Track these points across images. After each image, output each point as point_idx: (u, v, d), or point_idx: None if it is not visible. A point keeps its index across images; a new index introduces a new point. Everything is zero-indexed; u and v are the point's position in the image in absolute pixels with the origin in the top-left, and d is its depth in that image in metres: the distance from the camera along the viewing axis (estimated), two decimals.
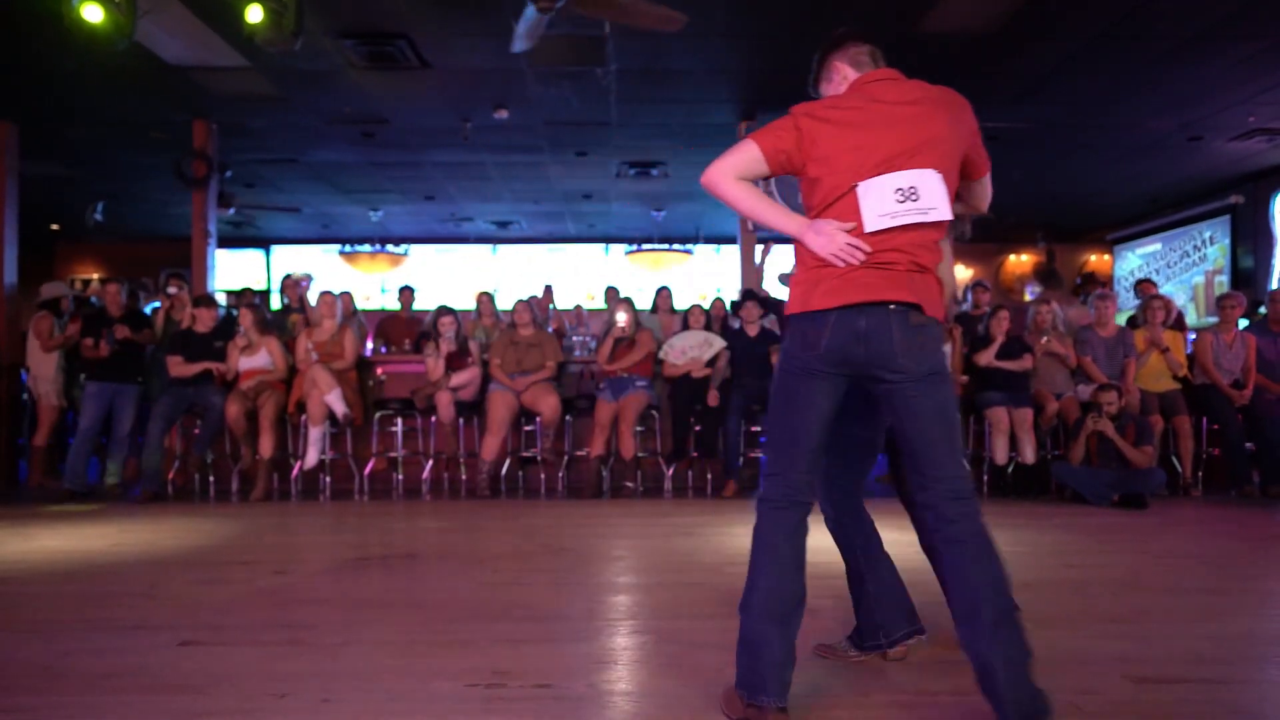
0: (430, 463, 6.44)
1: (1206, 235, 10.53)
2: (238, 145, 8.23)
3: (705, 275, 12.45)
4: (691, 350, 6.24)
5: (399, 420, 6.40)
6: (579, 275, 12.97)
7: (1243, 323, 6.66)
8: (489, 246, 13.27)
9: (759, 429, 6.40)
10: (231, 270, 12.42)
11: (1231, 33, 5.98)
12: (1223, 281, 10.15)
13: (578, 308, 9.87)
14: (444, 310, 6.52)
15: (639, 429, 6.33)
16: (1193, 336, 6.53)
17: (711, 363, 6.20)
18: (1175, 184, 10.01)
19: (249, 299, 7.17)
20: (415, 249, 12.37)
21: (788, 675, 1.95)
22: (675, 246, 11.46)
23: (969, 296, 7.11)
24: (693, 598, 3.19)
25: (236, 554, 4.22)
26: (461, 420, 6.37)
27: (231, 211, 8.98)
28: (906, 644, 2.40)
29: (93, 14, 4.29)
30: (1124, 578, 3.53)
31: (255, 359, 6.19)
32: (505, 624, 2.84)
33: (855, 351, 1.95)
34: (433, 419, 6.37)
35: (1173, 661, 2.41)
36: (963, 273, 12.39)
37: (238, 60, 6.25)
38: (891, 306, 1.93)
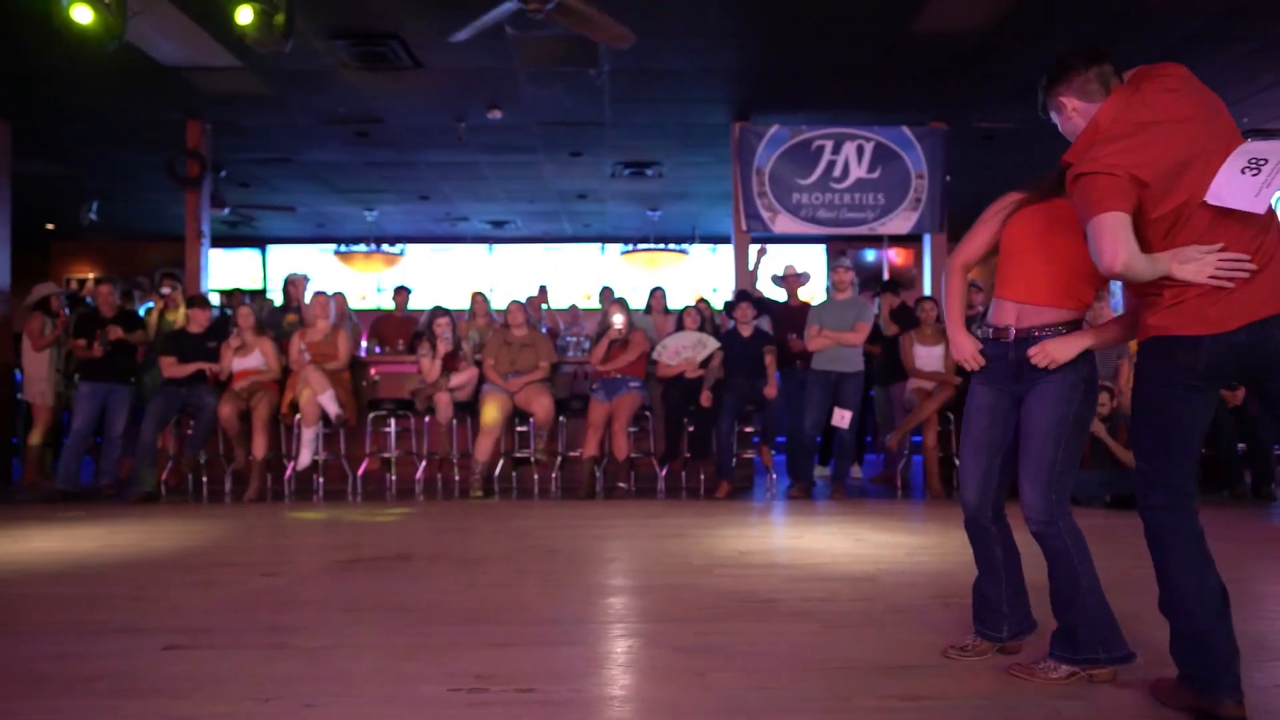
0: (424, 463, 6.44)
1: None
2: (232, 145, 8.22)
3: (701, 275, 12.43)
4: (685, 351, 6.24)
5: (392, 421, 6.39)
6: (575, 275, 12.96)
7: None
8: (485, 246, 13.25)
9: (751, 430, 6.41)
10: (227, 270, 12.42)
11: (1223, 34, 5.98)
12: None
13: (573, 307, 9.86)
14: (439, 311, 6.52)
15: (632, 430, 6.33)
16: None
17: (705, 363, 6.20)
18: None
19: (239, 300, 7.16)
20: (411, 249, 12.35)
21: (1237, 668, 2.01)
22: (671, 246, 11.45)
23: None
24: (683, 600, 3.19)
25: (227, 556, 4.22)
26: (455, 421, 6.37)
27: (226, 211, 8.97)
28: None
29: (82, 15, 4.29)
30: (1114, 580, 3.50)
31: (249, 359, 6.18)
32: (492, 627, 2.84)
33: (1242, 364, 1.99)
34: (426, 420, 6.36)
35: (1159, 665, 2.41)
36: None
37: (230, 60, 6.23)
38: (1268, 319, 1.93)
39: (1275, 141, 1.96)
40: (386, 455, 6.42)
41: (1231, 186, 1.92)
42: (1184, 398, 2.03)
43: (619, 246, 12.24)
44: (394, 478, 6.37)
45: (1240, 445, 6.03)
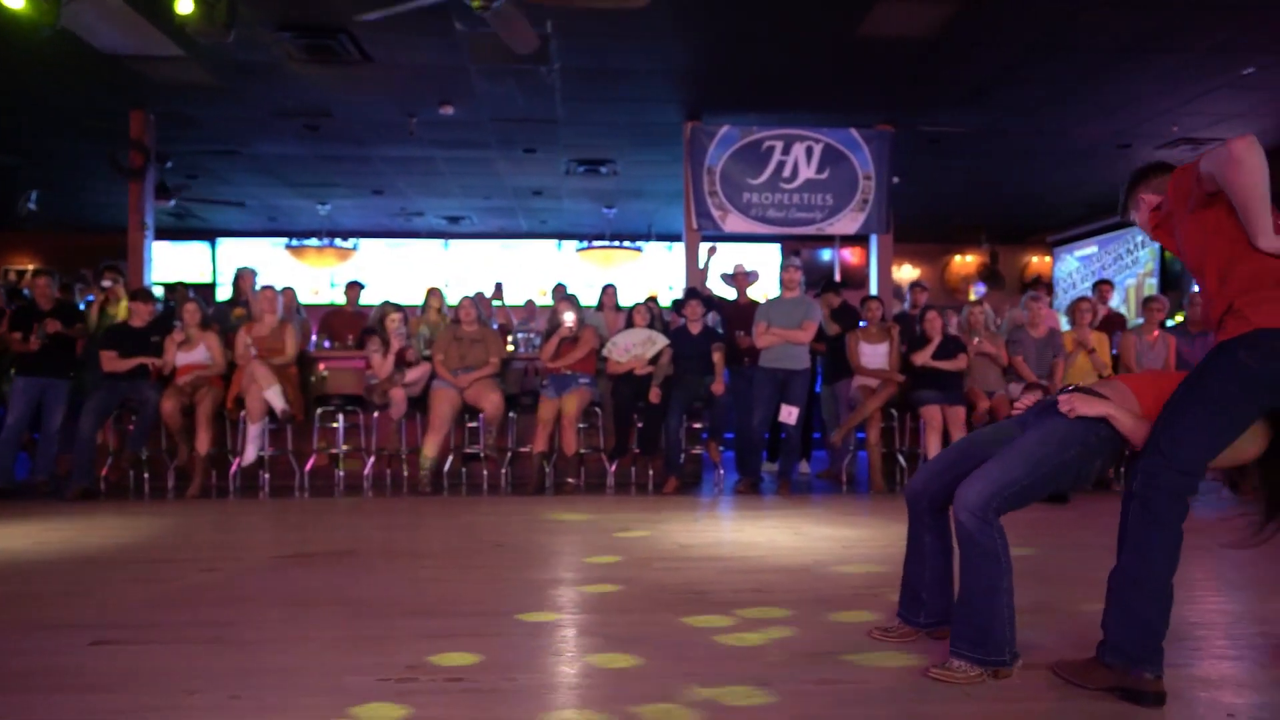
0: (372, 459, 6.42)
1: (1138, 239, 10.89)
2: (178, 136, 8.08)
3: (656, 273, 12.51)
4: (634, 348, 6.30)
5: (341, 416, 6.36)
6: (532, 271, 12.96)
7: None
8: (441, 241, 13.19)
9: (700, 426, 6.49)
10: (175, 263, 12.19)
11: (1154, 47, 6.20)
12: (1153, 284, 10.50)
13: (529, 303, 9.87)
14: (390, 306, 6.49)
15: (582, 425, 6.37)
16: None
17: (654, 360, 6.27)
18: (1109, 189, 10.31)
19: (184, 294, 7.05)
20: (365, 243, 12.25)
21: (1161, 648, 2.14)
22: (625, 244, 11.51)
23: (908, 296, 7.27)
24: (620, 593, 3.24)
25: (166, 552, 4.17)
26: (405, 416, 6.35)
27: (172, 203, 8.80)
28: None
29: (14, 0, 4.19)
30: (1031, 569, 3.66)
31: (193, 354, 6.10)
32: (431, 619, 2.87)
33: None
34: (375, 415, 6.34)
35: (1063, 648, 2.53)
36: (909, 272, 12.65)
37: (173, 50, 6.13)
38: None
39: None
40: (335, 451, 6.38)
41: None
42: (1257, 400, 2.08)
43: (575, 243, 12.28)
44: (342, 473, 6.34)
45: None
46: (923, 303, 6.95)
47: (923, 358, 6.11)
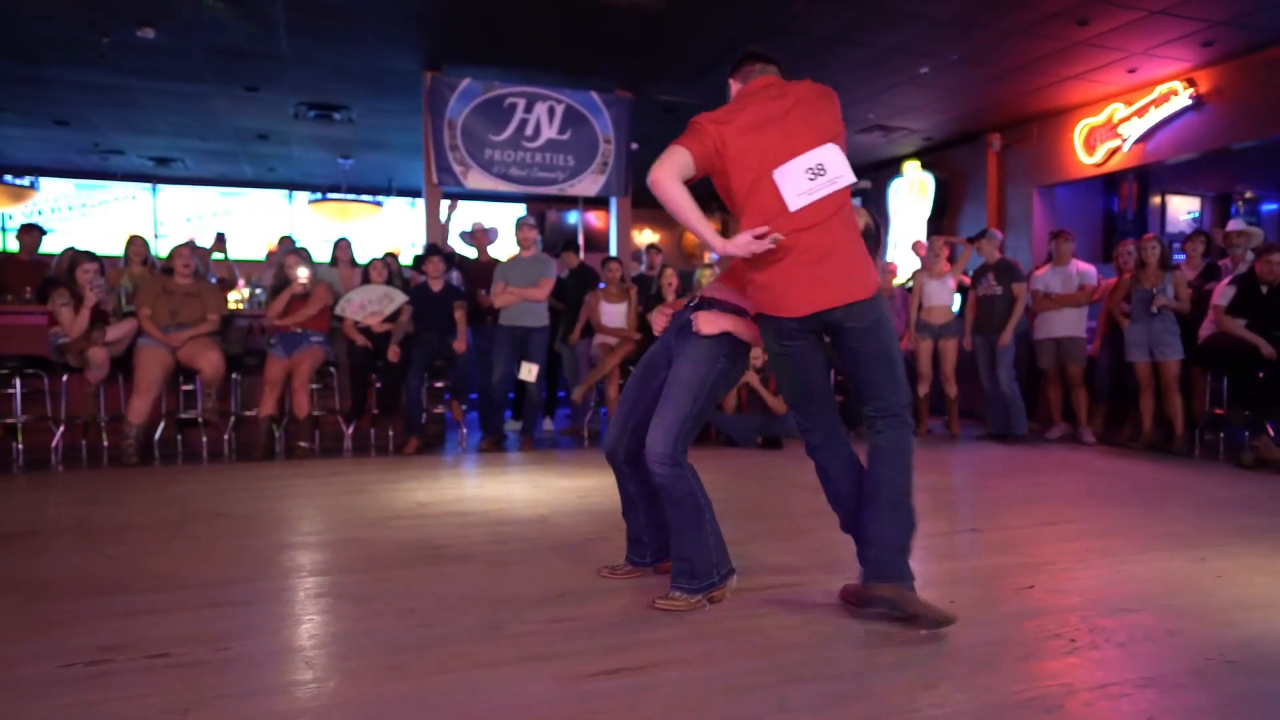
0: (61, 428, 5.65)
1: None
2: None
3: (398, 229, 12.03)
4: (371, 305, 6.05)
5: (18, 381, 5.52)
6: (259, 222, 11.94)
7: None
8: (148, 186, 11.74)
9: (442, 385, 6.40)
10: None
11: (850, 41, 6.92)
12: None
13: (270, 255, 9.08)
14: (81, 255, 5.69)
15: (315, 386, 6.03)
16: None
17: (393, 318, 6.06)
18: None
19: None
20: (47, 183, 10.61)
21: (904, 561, 2.37)
22: (364, 197, 10.94)
23: (644, 258, 7.60)
24: (354, 553, 3.15)
25: None
26: (104, 381, 5.64)
27: None
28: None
29: None
30: (748, 507, 4.06)
31: None
32: (127, 597, 2.62)
33: (819, 329, 2.41)
34: (64, 379, 5.58)
35: (767, 571, 2.85)
36: (649, 236, 13.19)
37: None
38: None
39: (843, 162, 2.32)
40: (11, 421, 5.54)
41: (790, 176, 2.28)
42: (792, 358, 2.42)
43: (308, 194, 11.47)
44: (21, 446, 5.52)
45: None
46: (659, 264, 7.30)
47: None
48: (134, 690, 1.91)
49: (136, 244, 6.44)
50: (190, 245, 6.13)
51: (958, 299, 6.97)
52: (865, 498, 2.41)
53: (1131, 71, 7.72)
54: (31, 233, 7.20)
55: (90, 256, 5.69)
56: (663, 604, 2.47)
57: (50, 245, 7.45)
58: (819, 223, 2.29)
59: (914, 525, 2.37)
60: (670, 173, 2.24)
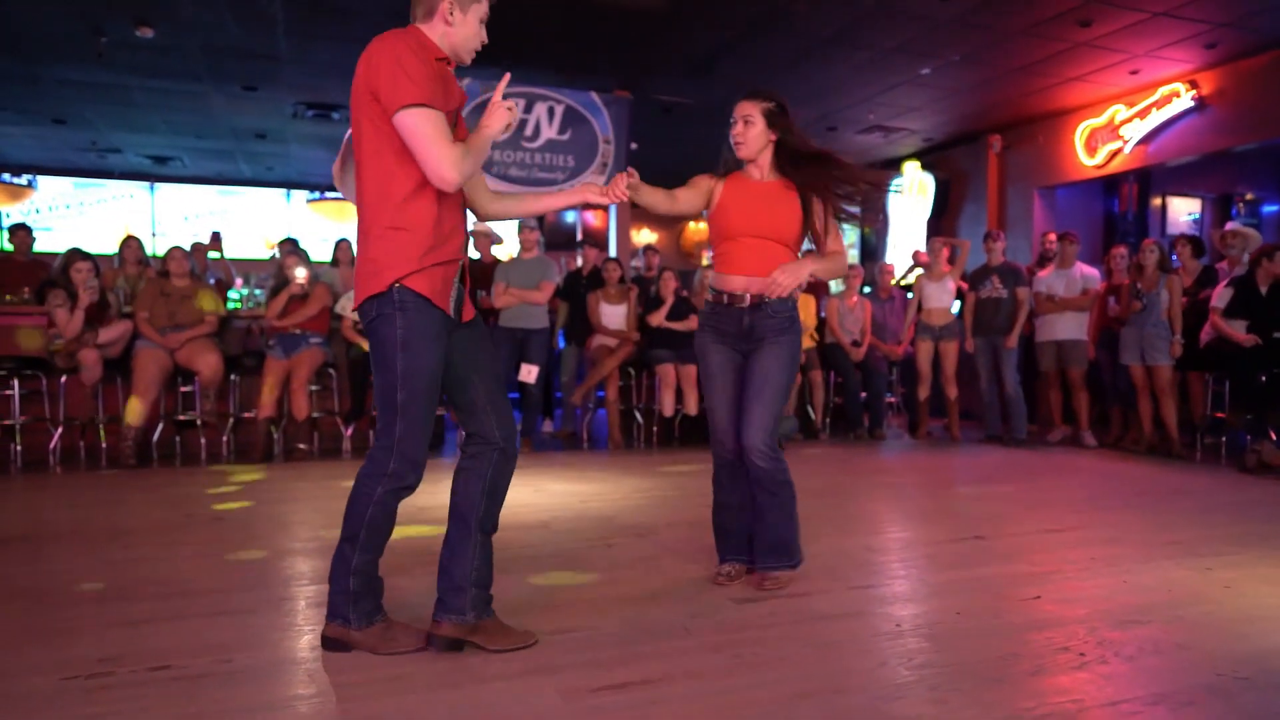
0: (60, 430, 5.62)
1: None
2: None
3: None
4: None
5: (16, 382, 5.48)
6: (256, 221, 11.91)
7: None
8: (145, 184, 11.70)
9: None
10: None
11: (851, 40, 6.90)
12: (854, 254, 11.76)
13: (273, 258, 9.04)
14: (77, 254, 5.66)
15: (314, 388, 6.01)
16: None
17: None
18: None
19: None
20: (45, 181, 10.57)
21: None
22: None
23: (641, 258, 7.57)
24: None
25: None
26: (103, 381, 5.61)
27: None
28: None
29: None
30: None
31: None
32: (127, 605, 2.59)
33: None
34: (63, 380, 5.55)
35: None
36: (648, 236, 13.17)
37: None
38: None
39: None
40: (9, 422, 5.50)
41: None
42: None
43: (306, 193, 11.44)
44: (19, 447, 5.49)
45: (863, 394, 7.11)
46: (656, 265, 7.27)
47: (657, 318, 6.41)
48: (137, 704, 1.88)
49: (131, 244, 6.41)
50: (182, 250, 6.06)
51: (956, 303, 6.95)
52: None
53: (1134, 73, 7.71)
54: (20, 232, 7.10)
55: (85, 256, 5.65)
56: (771, 584, 2.73)
57: (49, 245, 7.39)
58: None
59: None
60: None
